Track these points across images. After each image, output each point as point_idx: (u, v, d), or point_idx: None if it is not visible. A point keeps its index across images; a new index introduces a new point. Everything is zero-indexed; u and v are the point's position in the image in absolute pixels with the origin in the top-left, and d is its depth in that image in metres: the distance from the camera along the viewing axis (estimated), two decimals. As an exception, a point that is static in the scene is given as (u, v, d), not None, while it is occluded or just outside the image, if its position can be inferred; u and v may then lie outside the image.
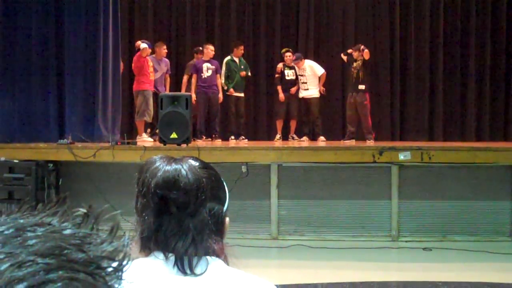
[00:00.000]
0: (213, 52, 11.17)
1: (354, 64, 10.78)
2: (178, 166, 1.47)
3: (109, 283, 0.56)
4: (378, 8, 13.02)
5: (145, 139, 10.10)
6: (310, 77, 11.31)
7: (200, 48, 11.44)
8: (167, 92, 10.33)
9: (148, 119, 10.39)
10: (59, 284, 0.51)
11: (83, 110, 10.05)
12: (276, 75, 11.62)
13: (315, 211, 8.26)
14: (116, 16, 10.64)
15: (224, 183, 1.60)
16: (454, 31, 12.80)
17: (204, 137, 10.93)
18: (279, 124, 11.65)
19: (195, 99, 10.68)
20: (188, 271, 1.42)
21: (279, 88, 11.45)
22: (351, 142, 10.51)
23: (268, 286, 1.47)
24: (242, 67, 11.38)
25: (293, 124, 11.69)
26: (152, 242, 1.47)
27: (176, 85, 11.68)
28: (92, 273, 0.54)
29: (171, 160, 1.50)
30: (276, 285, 1.50)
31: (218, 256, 1.48)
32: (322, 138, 11.27)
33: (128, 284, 0.59)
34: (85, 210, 0.61)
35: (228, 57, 11.39)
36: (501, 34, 12.66)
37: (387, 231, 8.18)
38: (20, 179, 7.86)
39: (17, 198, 7.88)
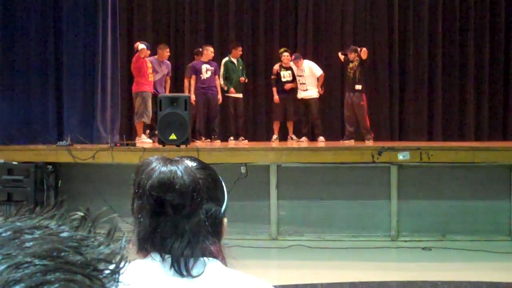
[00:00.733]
0: (213, 54, 11.17)
1: (350, 65, 10.81)
2: (173, 168, 1.46)
3: (106, 285, 0.56)
4: (377, 8, 13.02)
5: (144, 141, 10.09)
6: (309, 78, 11.30)
7: (200, 49, 11.44)
8: (166, 94, 10.33)
9: (147, 120, 10.39)
10: (56, 285, 0.51)
11: (82, 112, 10.07)
12: (272, 77, 11.63)
13: (314, 211, 8.26)
14: (115, 17, 10.66)
15: (223, 184, 1.59)
16: (452, 31, 12.80)
17: (203, 138, 10.93)
18: (276, 125, 11.65)
19: (194, 100, 10.69)
20: (184, 273, 1.41)
21: (274, 89, 11.46)
22: (350, 142, 10.51)
23: (265, 286, 1.48)
24: (240, 68, 11.39)
25: (290, 126, 11.69)
26: (149, 244, 1.46)
27: (175, 86, 11.68)
28: (89, 275, 0.55)
29: (167, 161, 1.49)
30: (276, 286, 1.51)
31: (215, 257, 1.48)
32: (321, 138, 11.27)
33: (125, 286, 0.59)
34: (82, 213, 0.61)
35: (226, 58, 11.40)
36: (500, 33, 12.67)
37: (387, 231, 8.18)
38: (19, 181, 7.86)
39: (16, 200, 7.88)
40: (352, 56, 10.82)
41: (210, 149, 8.48)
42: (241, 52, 11.50)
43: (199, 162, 1.55)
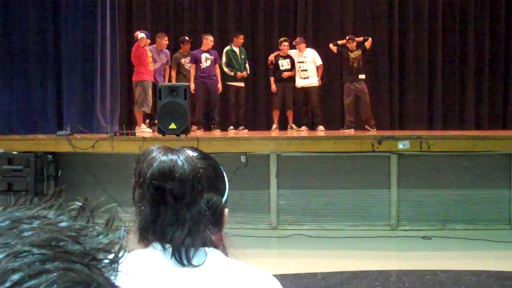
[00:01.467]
0: (212, 43, 11.14)
1: (352, 55, 10.79)
2: (174, 157, 1.46)
3: (105, 275, 0.56)
4: (377, -3, 12.98)
5: (144, 130, 10.10)
6: (310, 65, 11.29)
7: (187, 38, 11.37)
8: (166, 83, 10.32)
9: (147, 109, 10.38)
10: (55, 274, 0.51)
11: (82, 101, 10.07)
12: (270, 66, 11.62)
13: (314, 200, 8.27)
14: (114, 6, 10.63)
15: (224, 174, 1.59)
16: (452, 20, 12.77)
17: (203, 128, 10.92)
18: (276, 114, 11.64)
19: (194, 89, 10.67)
20: (185, 262, 1.42)
21: (272, 79, 11.46)
22: (350, 132, 10.53)
23: (266, 276, 1.48)
24: (243, 56, 11.36)
25: (290, 115, 11.69)
26: (150, 233, 1.47)
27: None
28: (88, 264, 0.54)
29: (167, 150, 1.49)
30: (276, 275, 1.50)
31: (216, 247, 1.48)
32: (321, 127, 11.27)
33: (124, 275, 0.59)
34: (81, 203, 0.61)
35: (228, 47, 11.37)
36: (500, 22, 12.63)
37: (387, 220, 8.20)
38: (19, 171, 7.87)
39: (16, 190, 7.89)
40: (351, 45, 10.81)
41: (210, 138, 8.47)
42: (242, 40, 11.44)
43: (200, 152, 1.56)
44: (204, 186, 1.47)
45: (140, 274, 1.36)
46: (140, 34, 10.21)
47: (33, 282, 0.50)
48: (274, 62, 11.49)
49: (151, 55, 10.46)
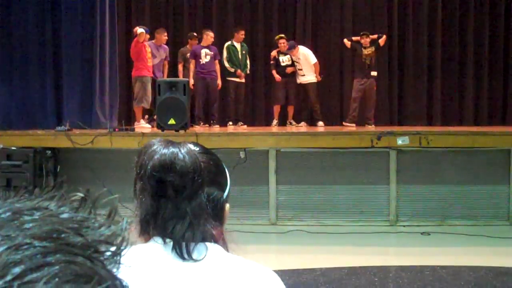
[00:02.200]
0: (212, 39, 11.11)
1: (365, 52, 10.80)
2: (175, 150, 1.47)
3: (107, 267, 0.55)
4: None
5: (143, 125, 10.09)
6: (304, 64, 11.28)
7: (195, 34, 11.38)
8: (165, 78, 10.30)
9: (146, 105, 10.37)
10: (56, 267, 0.50)
11: (81, 97, 10.06)
12: (271, 62, 11.61)
13: (313, 196, 8.27)
14: (113, 1, 10.61)
15: (226, 170, 1.59)
16: (452, 16, 12.76)
17: (202, 123, 10.92)
18: (277, 110, 11.63)
19: (193, 84, 10.66)
20: (186, 256, 1.42)
21: (274, 71, 11.43)
22: (352, 126, 10.55)
23: (266, 271, 1.47)
24: (244, 52, 11.34)
25: (290, 110, 11.68)
26: (150, 226, 1.47)
27: (174, 71, 11.64)
28: (90, 257, 0.54)
29: (169, 143, 1.50)
30: (275, 270, 1.50)
31: (216, 241, 1.48)
32: (320, 123, 11.27)
33: (126, 268, 0.58)
34: (82, 195, 0.60)
35: (229, 42, 11.34)
36: (500, 18, 12.62)
37: (386, 216, 8.21)
38: (18, 166, 7.85)
39: (15, 185, 7.88)
40: (365, 41, 10.82)
41: (209, 134, 8.47)
42: (243, 36, 11.40)
43: (202, 147, 1.56)
44: (205, 179, 1.47)
45: (141, 268, 1.36)
46: (139, 29, 10.19)
47: (34, 275, 0.50)
48: (276, 57, 11.48)
49: (150, 51, 10.45)
